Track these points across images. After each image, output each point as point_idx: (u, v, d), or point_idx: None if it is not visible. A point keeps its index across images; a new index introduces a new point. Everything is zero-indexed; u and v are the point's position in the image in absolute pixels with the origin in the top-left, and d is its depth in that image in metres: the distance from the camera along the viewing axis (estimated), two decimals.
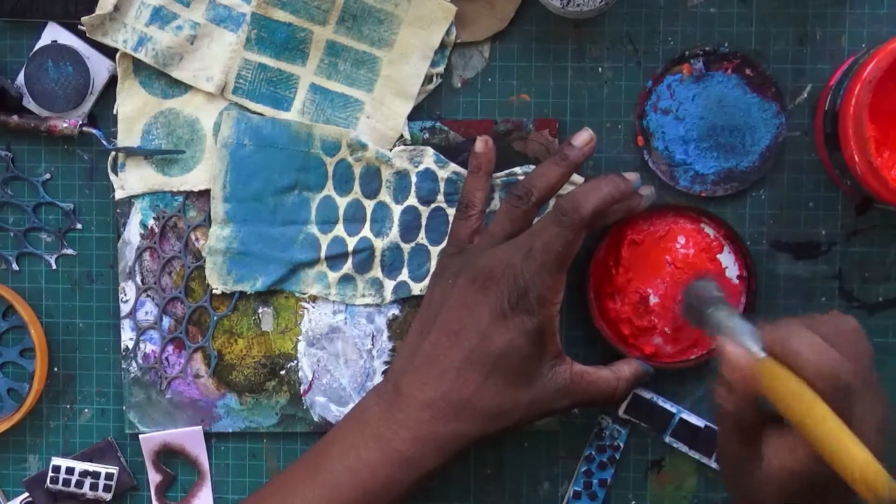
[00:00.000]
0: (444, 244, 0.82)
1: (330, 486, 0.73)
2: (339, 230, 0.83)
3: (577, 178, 0.80)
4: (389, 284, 0.83)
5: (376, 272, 0.83)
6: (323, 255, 0.83)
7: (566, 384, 0.74)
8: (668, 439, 0.82)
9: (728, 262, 0.81)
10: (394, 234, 0.82)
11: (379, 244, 0.82)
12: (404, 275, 0.83)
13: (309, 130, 0.82)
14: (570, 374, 0.74)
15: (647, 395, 0.82)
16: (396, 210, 0.82)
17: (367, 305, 0.83)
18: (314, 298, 0.83)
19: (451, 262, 0.77)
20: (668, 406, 0.82)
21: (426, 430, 0.73)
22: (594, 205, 0.73)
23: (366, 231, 0.83)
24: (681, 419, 0.82)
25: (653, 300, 0.81)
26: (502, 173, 0.81)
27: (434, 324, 0.75)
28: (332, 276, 0.83)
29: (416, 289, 0.83)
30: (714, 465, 0.82)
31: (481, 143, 0.79)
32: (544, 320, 0.73)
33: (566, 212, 0.73)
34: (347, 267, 0.83)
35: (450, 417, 0.73)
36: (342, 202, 0.83)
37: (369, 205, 0.82)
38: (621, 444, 0.83)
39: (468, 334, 0.73)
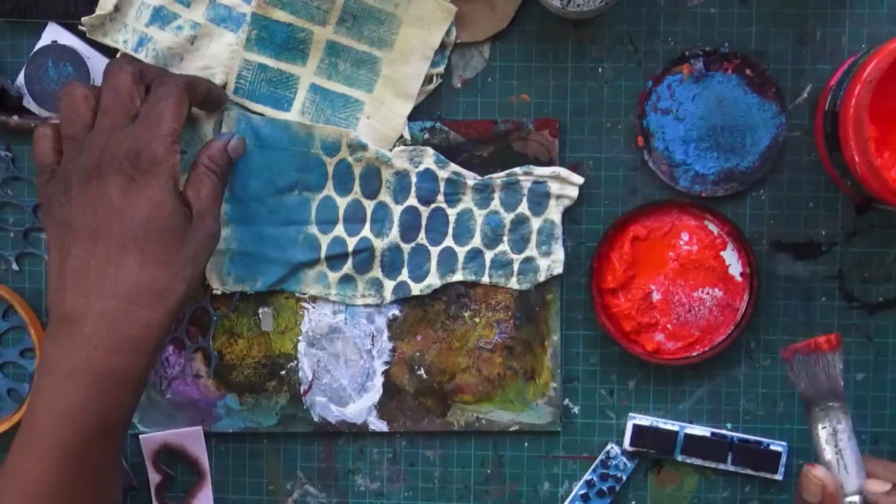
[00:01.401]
0: (444, 244, 0.82)
1: (51, 445, 0.68)
2: (339, 230, 0.83)
3: (576, 179, 0.81)
4: (389, 284, 0.83)
5: (376, 272, 0.83)
6: (323, 255, 0.83)
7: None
8: (679, 458, 0.82)
9: (731, 259, 0.81)
10: (394, 234, 0.82)
11: (379, 244, 0.82)
12: (404, 275, 0.83)
13: (309, 131, 0.82)
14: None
15: (646, 420, 0.82)
16: (396, 210, 0.82)
17: (367, 305, 0.83)
18: (314, 298, 0.83)
19: (51, 186, 0.73)
20: (670, 425, 0.82)
21: (115, 338, 0.69)
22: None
23: (366, 231, 0.83)
24: (686, 435, 0.82)
25: (656, 296, 0.81)
26: (503, 173, 0.81)
27: (68, 239, 0.71)
28: (332, 276, 0.83)
29: (416, 289, 0.82)
30: (715, 465, 0.82)
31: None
32: (169, 172, 0.71)
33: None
34: (347, 267, 0.83)
35: (130, 312, 0.69)
36: (342, 202, 0.82)
37: (369, 205, 0.82)
38: (625, 477, 0.83)
39: (106, 224, 0.70)
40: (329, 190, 0.82)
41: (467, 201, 0.82)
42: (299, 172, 0.82)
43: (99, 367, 0.69)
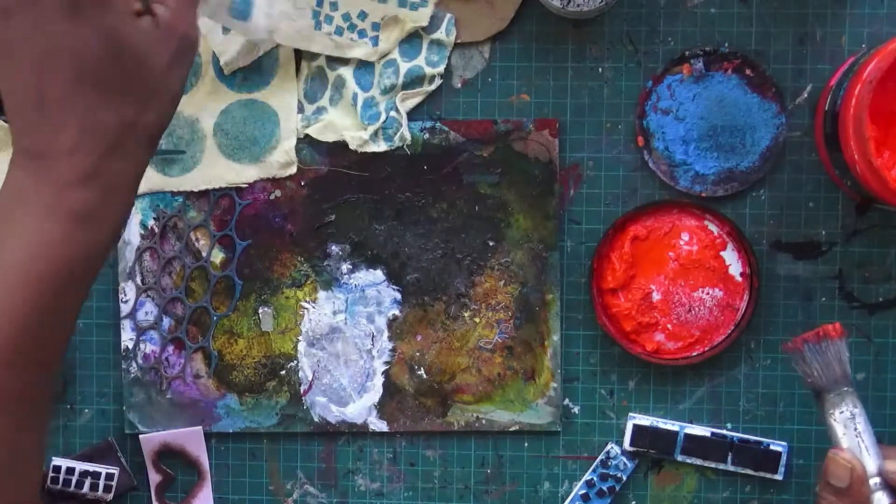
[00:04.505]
0: None
1: (23, 281, 0.61)
2: None
3: None
4: None
5: None
6: None
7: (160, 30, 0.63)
8: (679, 458, 0.82)
9: (731, 259, 0.81)
10: None
11: None
12: None
13: None
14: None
15: (646, 420, 0.82)
16: None
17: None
18: (314, 298, 0.83)
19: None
20: (670, 425, 0.82)
21: (92, 173, 0.61)
22: None
23: None
24: (686, 435, 0.82)
25: (656, 296, 0.81)
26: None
27: (21, 75, 0.61)
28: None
29: None
30: (715, 465, 0.82)
31: None
32: None
33: None
34: None
35: (104, 147, 0.61)
36: None
37: None
38: (624, 477, 0.83)
39: (57, 54, 0.60)
40: None
41: None
42: None
43: (76, 206, 0.61)
